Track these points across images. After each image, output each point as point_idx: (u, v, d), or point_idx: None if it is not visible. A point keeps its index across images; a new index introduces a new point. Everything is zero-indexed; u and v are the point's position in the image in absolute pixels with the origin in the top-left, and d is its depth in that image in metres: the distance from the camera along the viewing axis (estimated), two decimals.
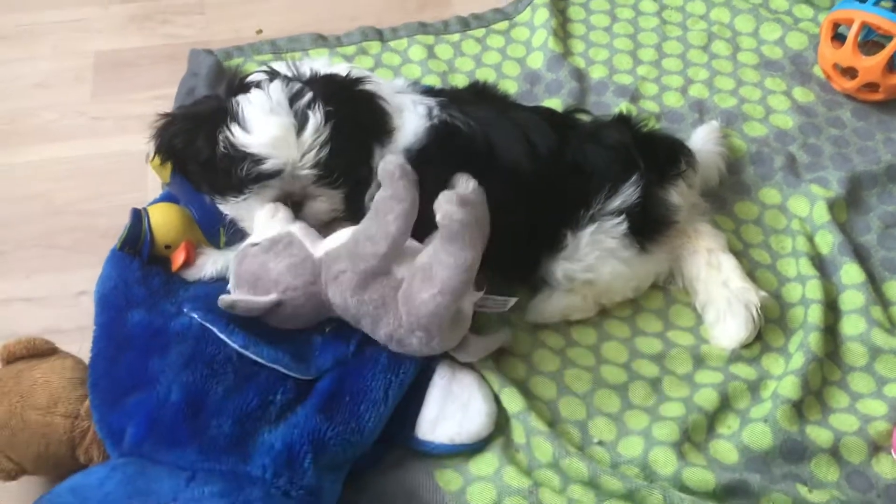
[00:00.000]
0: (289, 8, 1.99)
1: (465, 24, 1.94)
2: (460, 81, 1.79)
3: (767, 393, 1.36)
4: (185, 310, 1.23)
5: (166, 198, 1.42)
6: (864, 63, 1.69)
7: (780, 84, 1.81)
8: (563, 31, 1.91)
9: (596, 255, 1.38)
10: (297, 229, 1.27)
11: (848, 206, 1.61)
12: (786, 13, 1.95)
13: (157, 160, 1.35)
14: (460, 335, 1.26)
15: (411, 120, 1.33)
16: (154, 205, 1.38)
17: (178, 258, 1.34)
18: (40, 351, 1.27)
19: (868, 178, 1.64)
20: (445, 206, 1.15)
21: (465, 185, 1.26)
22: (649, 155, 1.42)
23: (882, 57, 1.66)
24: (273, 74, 1.29)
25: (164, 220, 1.34)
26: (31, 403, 1.20)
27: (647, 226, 1.41)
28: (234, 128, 1.22)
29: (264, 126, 1.22)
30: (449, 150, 1.32)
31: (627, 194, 1.38)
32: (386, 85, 1.39)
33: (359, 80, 1.34)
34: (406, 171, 1.19)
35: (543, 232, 1.38)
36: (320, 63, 1.37)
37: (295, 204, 1.29)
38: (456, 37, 1.91)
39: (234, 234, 1.35)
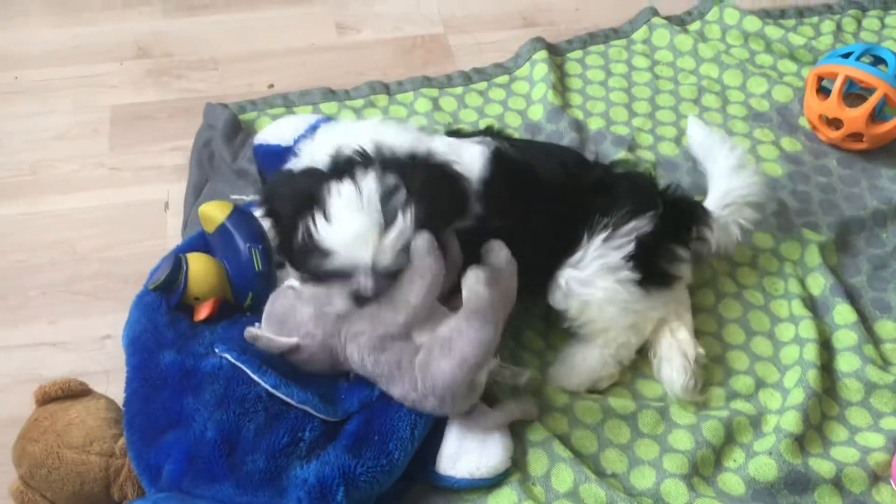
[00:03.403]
0: (299, 64, 2.06)
1: (467, 77, 2.02)
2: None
3: (769, 427, 1.42)
4: (217, 351, 1.28)
5: (195, 242, 1.46)
6: (849, 114, 1.78)
7: (769, 134, 1.90)
8: (561, 85, 1.99)
9: (597, 267, 1.42)
10: None
11: (838, 250, 1.69)
12: (771, 68, 2.05)
13: (209, 207, 1.40)
14: (471, 402, 1.30)
15: (474, 155, 1.39)
16: (194, 254, 1.40)
17: (203, 312, 1.37)
18: (75, 392, 1.31)
19: (856, 223, 1.73)
20: (473, 285, 1.21)
21: (499, 254, 1.33)
22: (670, 214, 1.48)
23: (865, 108, 1.75)
24: (367, 160, 1.26)
25: (202, 273, 1.36)
26: (66, 442, 1.24)
27: (652, 271, 1.45)
28: (319, 217, 1.20)
29: (348, 223, 1.19)
30: (508, 175, 1.38)
31: (643, 223, 1.43)
32: (437, 140, 1.41)
33: (431, 156, 1.32)
34: (432, 247, 1.24)
35: (566, 236, 1.43)
36: (407, 137, 1.38)
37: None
38: (459, 90, 2.00)
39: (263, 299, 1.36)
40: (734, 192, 1.59)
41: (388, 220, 1.20)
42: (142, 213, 1.74)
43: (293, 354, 1.29)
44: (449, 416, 1.29)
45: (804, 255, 1.66)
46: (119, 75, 2.02)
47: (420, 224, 1.22)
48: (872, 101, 1.75)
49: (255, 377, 1.24)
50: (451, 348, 1.21)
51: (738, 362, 1.53)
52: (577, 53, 2.09)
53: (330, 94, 1.95)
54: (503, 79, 2.03)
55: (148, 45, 2.10)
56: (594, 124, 1.92)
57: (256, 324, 1.31)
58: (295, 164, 1.42)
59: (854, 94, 1.87)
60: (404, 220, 1.21)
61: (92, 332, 1.56)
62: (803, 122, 1.92)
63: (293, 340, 1.27)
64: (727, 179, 1.60)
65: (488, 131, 1.55)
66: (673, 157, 1.85)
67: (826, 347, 1.54)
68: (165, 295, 1.36)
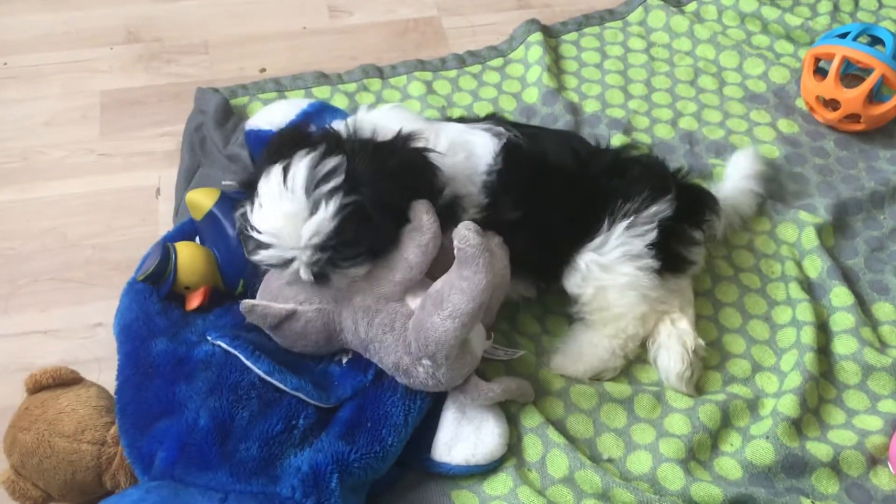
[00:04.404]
0: (291, 47, 2.04)
1: (461, 60, 2.00)
2: (459, 115, 1.86)
3: (766, 411, 1.42)
4: (209, 338, 1.27)
5: (184, 229, 1.45)
6: (846, 95, 1.76)
7: (766, 116, 1.89)
8: (556, 68, 1.98)
9: (620, 254, 1.40)
10: None
11: (835, 232, 1.68)
12: (767, 49, 2.04)
13: (196, 194, 1.37)
14: (466, 372, 1.28)
15: (486, 145, 1.36)
16: (182, 242, 1.38)
17: (194, 301, 1.36)
18: (66, 380, 1.29)
19: (853, 205, 1.71)
20: (463, 231, 1.19)
21: (490, 238, 1.32)
22: (683, 198, 1.48)
23: (863, 89, 1.74)
24: (328, 138, 1.24)
25: (191, 262, 1.35)
26: (58, 431, 1.23)
27: (670, 255, 1.45)
28: (254, 204, 1.19)
29: (272, 212, 1.18)
30: (520, 165, 1.36)
31: (663, 207, 1.43)
32: (447, 128, 1.38)
33: (409, 139, 1.27)
34: (430, 207, 1.24)
35: (582, 221, 1.42)
36: (382, 114, 1.36)
37: (318, 276, 1.23)
38: (453, 73, 1.98)
39: (254, 286, 1.36)
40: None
41: (311, 208, 1.16)
42: (133, 199, 1.73)
43: (289, 323, 1.27)
44: (445, 386, 1.27)
45: (801, 237, 1.65)
46: (109, 60, 2.00)
47: (352, 211, 1.17)
48: (870, 81, 1.73)
49: (248, 363, 1.22)
50: (442, 300, 1.19)
51: (735, 346, 1.52)
52: (573, 35, 2.07)
53: (322, 78, 1.93)
54: (498, 61, 2.01)
55: (138, 30, 2.07)
56: (589, 107, 1.90)
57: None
58: None
59: (851, 74, 1.85)
60: (326, 209, 1.16)
61: (83, 320, 1.55)
62: (800, 103, 1.90)
63: (290, 306, 1.26)
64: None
65: (493, 118, 1.52)
66: (669, 139, 1.84)
67: (823, 330, 1.53)
68: (155, 286, 1.35)
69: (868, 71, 1.75)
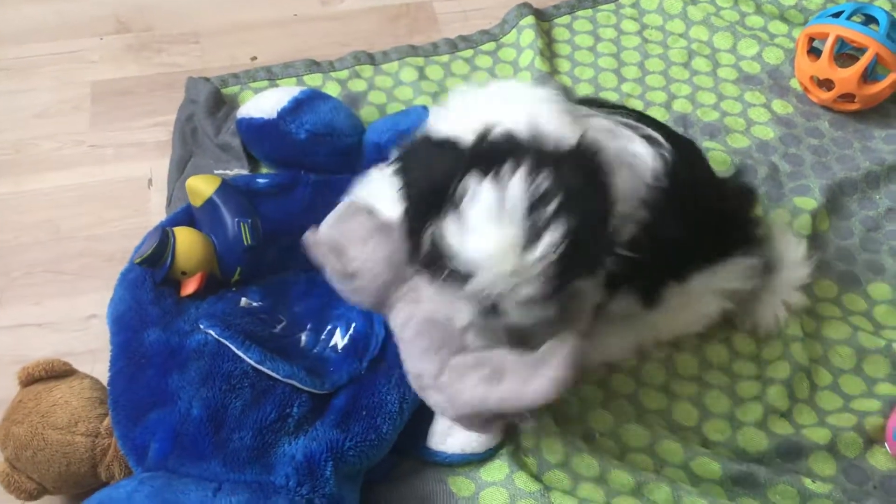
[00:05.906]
0: (282, 35, 2.02)
1: (453, 45, 1.99)
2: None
3: (746, 393, 1.42)
4: (201, 326, 1.26)
5: (180, 217, 1.44)
6: (840, 75, 1.75)
7: (760, 97, 1.88)
8: (548, 51, 1.96)
9: (714, 288, 1.40)
10: None
11: (829, 213, 1.67)
12: (761, 30, 2.02)
13: (197, 180, 1.36)
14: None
15: (646, 160, 1.20)
16: (181, 227, 1.37)
17: (190, 287, 1.34)
18: (58, 372, 1.29)
19: (848, 185, 1.71)
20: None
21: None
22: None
23: (857, 69, 1.73)
24: (517, 151, 1.02)
25: (189, 247, 1.33)
26: (51, 423, 1.23)
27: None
28: (451, 221, 1.01)
29: (485, 236, 0.99)
30: (679, 182, 1.22)
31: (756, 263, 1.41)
32: (612, 136, 1.19)
33: (597, 161, 1.07)
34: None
35: (705, 246, 1.34)
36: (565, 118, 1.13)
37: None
38: (445, 58, 1.96)
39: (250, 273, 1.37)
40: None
41: (531, 236, 0.99)
42: (125, 190, 1.72)
43: (342, 279, 1.22)
44: (444, 416, 1.24)
45: (793, 224, 1.63)
46: (99, 50, 1.98)
47: (572, 240, 1.00)
48: (864, 61, 1.72)
49: (239, 352, 1.22)
50: (499, 380, 1.12)
51: (713, 330, 1.50)
52: (565, 19, 2.05)
53: (314, 65, 1.92)
54: (489, 46, 2.00)
55: (128, 19, 2.05)
56: (583, 90, 1.89)
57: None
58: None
59: (846, 54, 1.84)
60: (551, 236, 0.98)
61: (77, 312, 1.54)
62: (795, 83, 1.89)
63: (352, 267, 1.20)
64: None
65: (634, 113, 1.36)
66: (663, 122, 1.82)
67: (811, 315, 1.52)
68: (152, 269, 1.34)
69: (862, 50, 1.74)
